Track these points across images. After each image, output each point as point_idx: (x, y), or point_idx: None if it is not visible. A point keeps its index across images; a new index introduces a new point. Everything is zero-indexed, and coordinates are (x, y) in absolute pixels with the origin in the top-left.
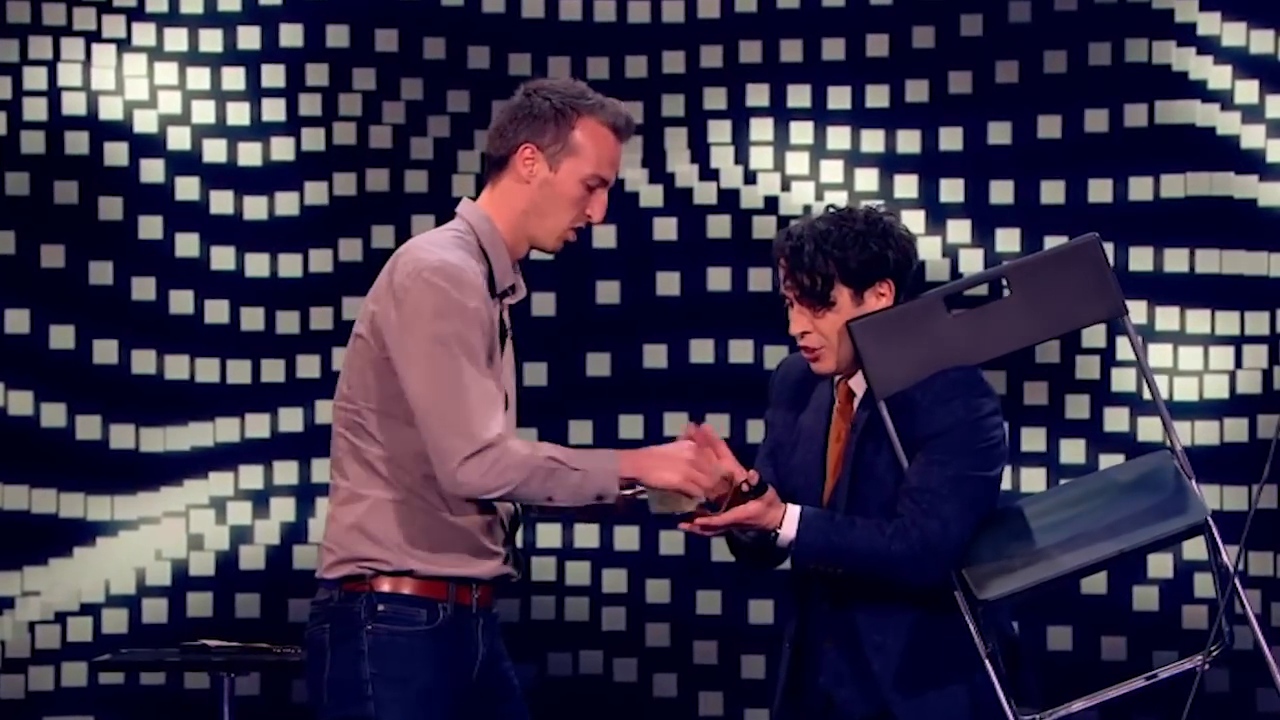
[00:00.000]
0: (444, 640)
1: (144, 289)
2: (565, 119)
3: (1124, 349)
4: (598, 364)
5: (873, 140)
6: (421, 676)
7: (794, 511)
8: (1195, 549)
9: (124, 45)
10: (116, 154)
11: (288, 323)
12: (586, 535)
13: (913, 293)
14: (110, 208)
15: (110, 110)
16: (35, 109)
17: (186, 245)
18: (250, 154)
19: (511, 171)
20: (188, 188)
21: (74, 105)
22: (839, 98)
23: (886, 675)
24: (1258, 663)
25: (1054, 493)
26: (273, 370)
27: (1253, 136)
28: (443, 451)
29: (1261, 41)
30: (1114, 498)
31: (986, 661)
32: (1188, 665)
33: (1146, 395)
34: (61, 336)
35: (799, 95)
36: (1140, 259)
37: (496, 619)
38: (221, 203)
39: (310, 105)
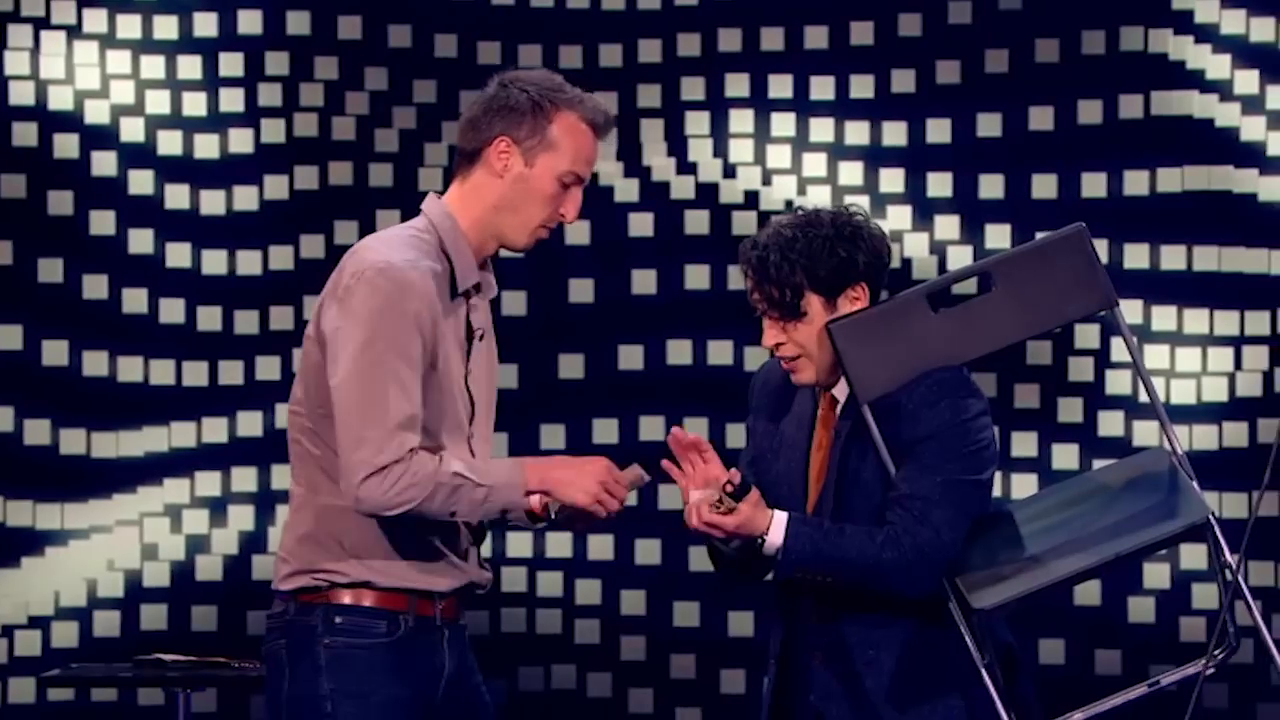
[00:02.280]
0: (405, 653)
1: (95, 287)
2: (543, 112)
3: (1118, 350)
4: (570, 365)
5: (857, 132)
6: (382, 690)
7: (780, 517)
8: (1193, 559)
9: (74, 32)
10: (66, 146)
11: (246, 322)
12: (559, 544)
13: (895, 292)
14: (60, 202)
15: (60, 100)
16: None
17: (140, 241)
18: (207, 146)
19: (484, 165)
20: (141, 181)
21: (22, 95)
22: (822, 88)
23: (879, 691)
24: (1258, 676)
25: (1045, 495)
26: (231, 372)
27: (1253, 128)
28: (348, 464)
29: (1262, 29)
30: (1109, 499)
31: (984, 673)
32: (1191, 670)
33: (1142, 398)
34: (8, 337)
35: (780, 85)
36: (1136, 256)
37: (464, 631)
38: (177, 197)
39: (270, 95)
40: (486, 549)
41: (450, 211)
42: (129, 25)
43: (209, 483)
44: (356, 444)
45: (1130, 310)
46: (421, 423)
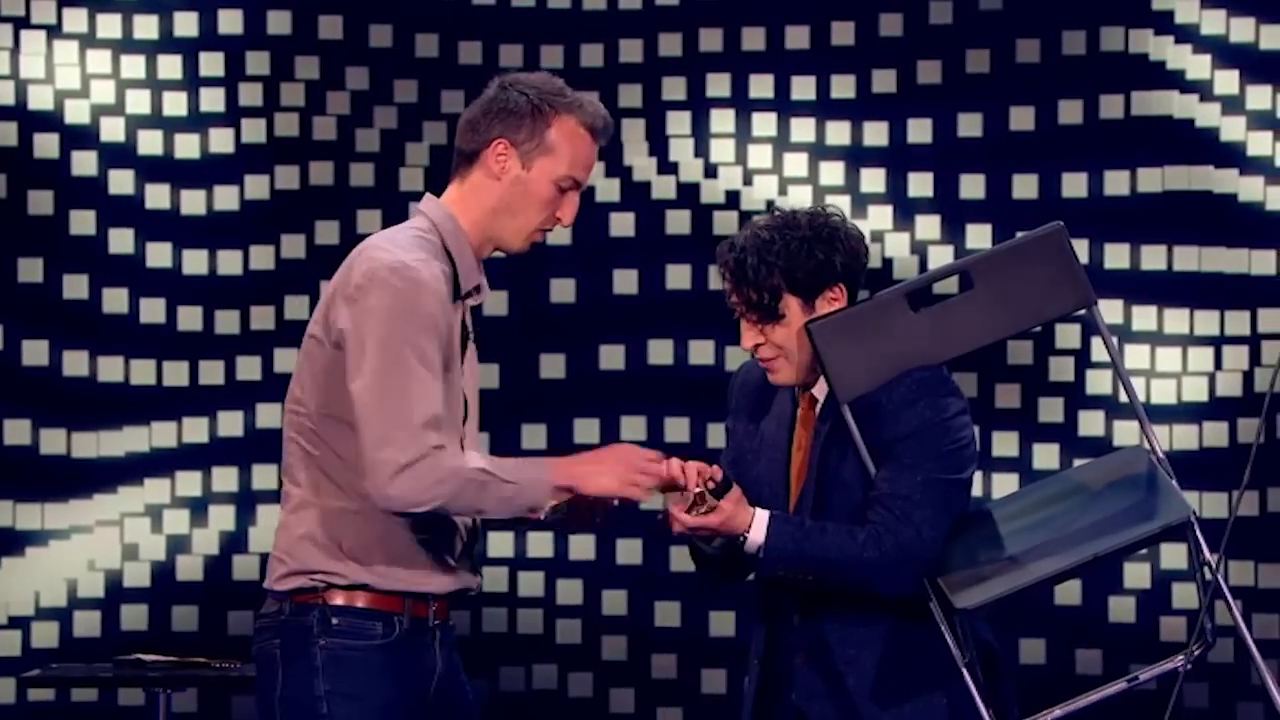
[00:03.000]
0: (400, 655)
1: (76, 287)
2: (542, 116)
3: (1099, 350)
4: (552, 365)
5: (838, 132)
6: (378, 692)
7: (762, 516)
8: (1173, 558)
9: (54, 31)
10: (47, 145)
11: (227, 322)
12: (540, 544)
13: (875, 292)
14: (40, 202)
15: (40, 100)
16: None
17: (120, 241)
18: (188, 146)
19: (482, 167)
20: (122, 181)
21: (2, 94)
22: (803, 88)
23: (861, 690)
24: (1237, 676)
25: (1025, 493)
26: (211, 372)
27: (1233, 129)
28: (374, 463)
29: (1242, 29)
30: (1090, 497)
31: (964, 671)
32: (1169, 666)
33: (1123, 397)
34: None
35: (761, 85)
36: (1116, 256)
37: (453, 631)
38: (157, 197)
39: (251, 95)
40: (475, 551)
41: (451, 212)
42: (109, 25)
43: (190, 483)
44: (381, 443)
45: (1111, 310)
46: (442, 422)
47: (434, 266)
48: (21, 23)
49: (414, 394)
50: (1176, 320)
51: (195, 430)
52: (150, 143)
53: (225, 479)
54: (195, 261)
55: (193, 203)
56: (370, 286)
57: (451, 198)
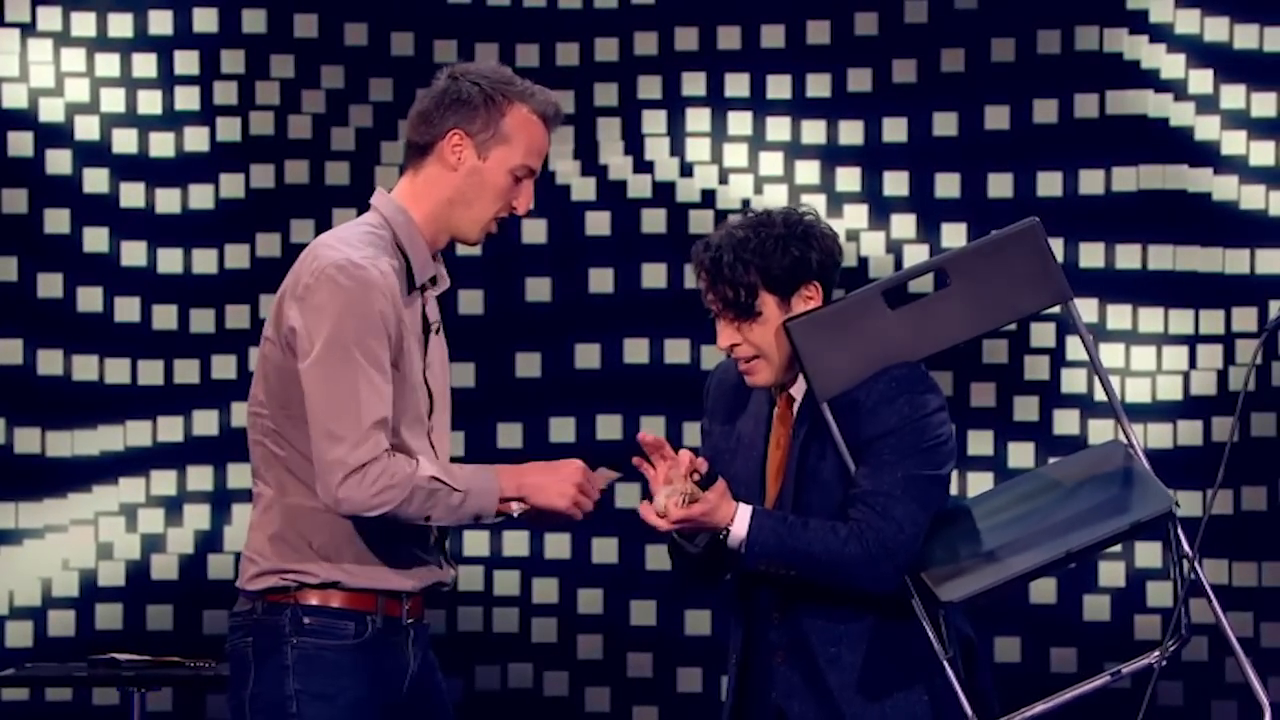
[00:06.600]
0: (372, 654)
1: (50, 286)
2: (495, 106)
3: (1074, 349)
4: (527, 364)
5: (814, 131)
6: (349, 692)
7: (745, 510)
8: (1147, 557)
9: (28, 30)
10: (20, 144)
11: (202, 321)
12: (515, 543)
13: (850, 291)
14: (14, 200)
15: (14, 98)
16: None
17: (95, 240)
18: (162, 144)
19: (438, 158)
20: (96, 180)
21: None
22: (779, 87)
23: (844, 688)
24: (1212, 673)
25: (1005, 489)
26: (186, 371)
27: (1207, 128)
28: (326, 465)
29: (1216, 29)
30: (1072, 490)
31: (946, 666)
32: (1145, 661)
33: (1098, 396)
34: None
35: (737, 84)
36: (1091, 255)
37: (427, 629)
38: (132, 195)
39: (226, 93)
40: (447, 547)
41: (403, 206)
42: (83, 23)
43: (164, 482)
44: (331, 444)
45: (1085, 309)
46: (391, 423)
47: (382, 263)
48: None
49: (363, 395)
50: (1151, 319)
51: (170, 429)
52: (125, 141)
53: (200, 478)
54: (170, 260)
55: (168, 201)
56: (317, 286)
57: (404, 191)
